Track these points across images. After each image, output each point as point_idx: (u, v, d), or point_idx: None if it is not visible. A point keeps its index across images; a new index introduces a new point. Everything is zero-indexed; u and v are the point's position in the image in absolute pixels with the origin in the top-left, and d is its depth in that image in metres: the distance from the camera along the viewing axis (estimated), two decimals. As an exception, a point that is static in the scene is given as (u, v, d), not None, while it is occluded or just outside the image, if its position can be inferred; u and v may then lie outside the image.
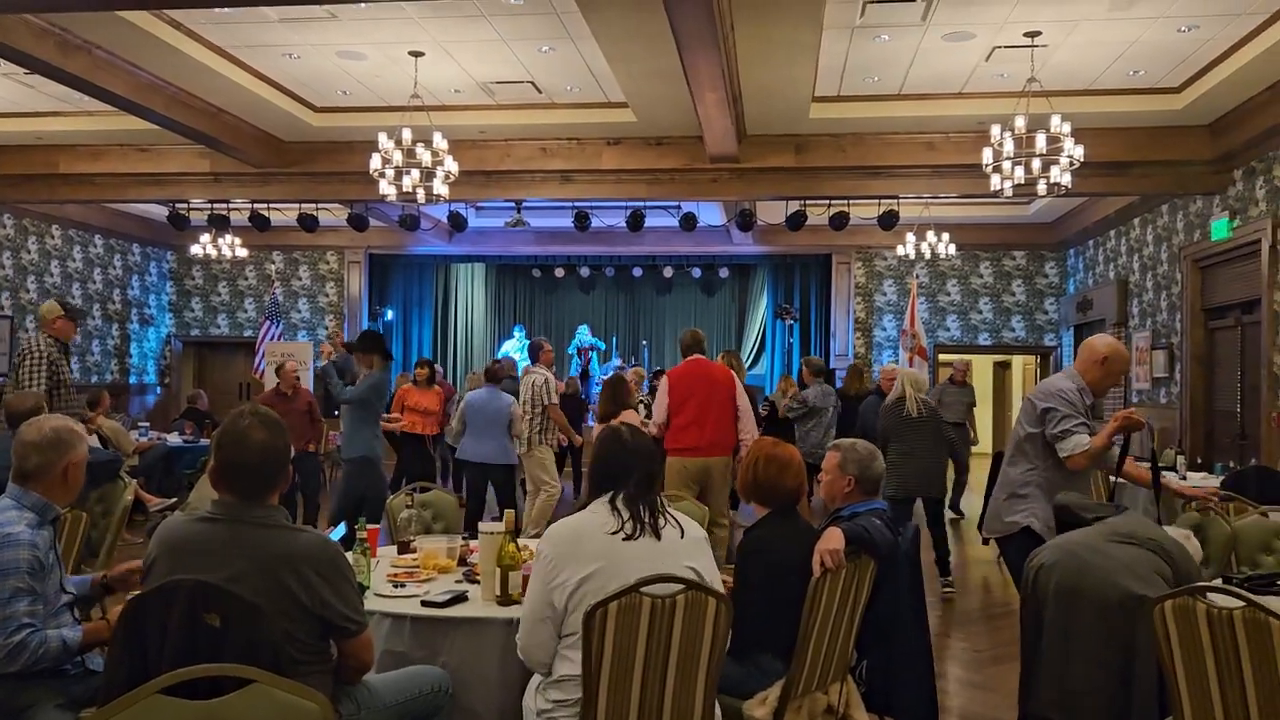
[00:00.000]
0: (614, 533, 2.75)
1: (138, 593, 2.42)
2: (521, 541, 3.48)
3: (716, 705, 2.79)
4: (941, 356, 14.86)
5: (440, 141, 8.09)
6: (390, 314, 16.63)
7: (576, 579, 2.68)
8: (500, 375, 8.49)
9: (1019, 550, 4.09)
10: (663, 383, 6.73)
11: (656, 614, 2.56)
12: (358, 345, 7.43)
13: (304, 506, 8.82)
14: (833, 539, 3.06)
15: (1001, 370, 17.84)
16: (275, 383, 9.03)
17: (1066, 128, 7.21)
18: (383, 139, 8.01)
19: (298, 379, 9.00)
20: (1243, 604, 2.59)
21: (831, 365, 13.90)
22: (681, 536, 2.84)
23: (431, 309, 17.30)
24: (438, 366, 13.03)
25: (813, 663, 3.05)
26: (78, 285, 13.87)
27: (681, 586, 2.60)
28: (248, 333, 15.88)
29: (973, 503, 10.51)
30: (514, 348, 16.26)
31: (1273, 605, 2.59)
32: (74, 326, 6.51)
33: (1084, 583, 3.24)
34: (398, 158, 8.03)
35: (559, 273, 17.03)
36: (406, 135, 7.91)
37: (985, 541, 8.86)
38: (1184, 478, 7.48)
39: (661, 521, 2.83)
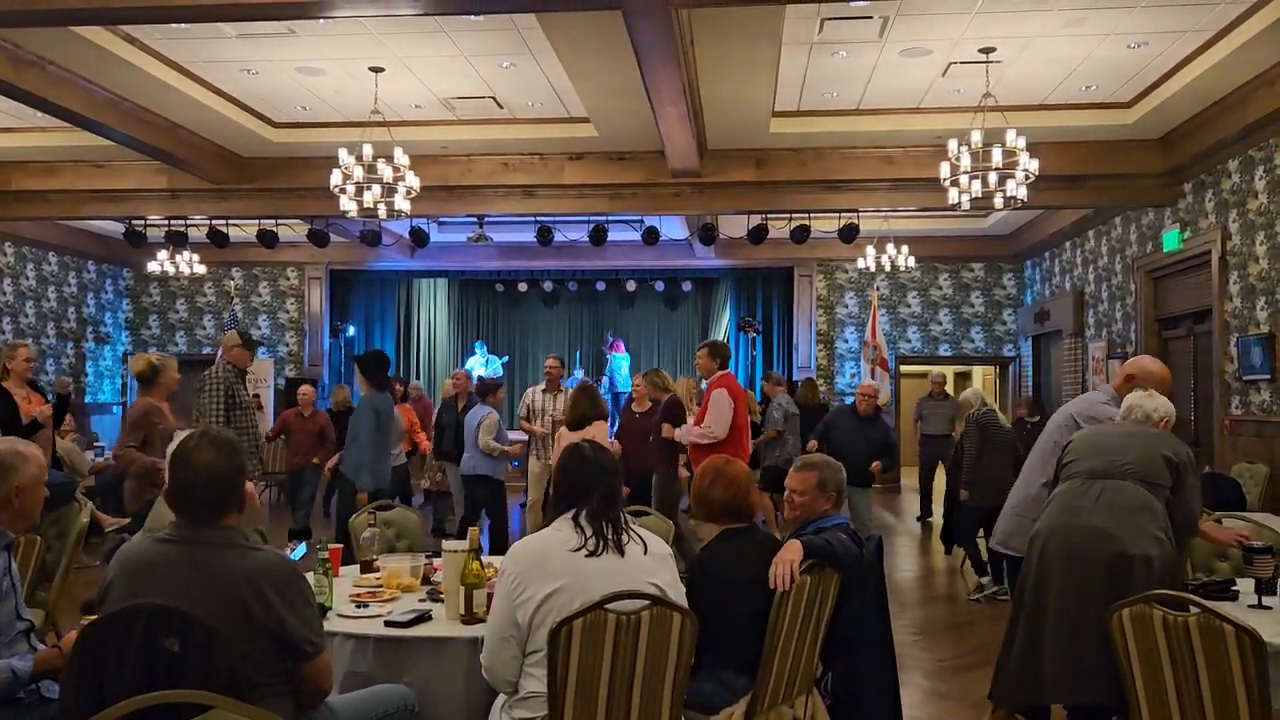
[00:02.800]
0: (577, 549, 2.74)
1: (94, 618, 2.37)
2: (485, 559, 3.46)
3: (683, 721, 2.79)
4: (904, 368, 15.02)
5: (401, 157, 8.06)
6: (352, 330, 16.47)
7: (540, 596, 2.67)
8: (484, 391, 8.43)
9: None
10: (725, 394, 6.47)
11: (621, 630, 2.56)
12: (360, 363, 7.35)
13: (294, 516, 9.06)
14: (791, 550, 3.08)
15: (962, 381, 18.03)
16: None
17: (1021, 142, 7.33)
18: (343, 154, 7.96)
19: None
20: (1198, 611, 2.64)
21: (794, 377, 13.99)
22: (645, 552, 2.84)
23: (394, 324, 17.16)
24: (416, 383, 12.93)
25: (778, 677, 3.06)
26: (31, 303, 13.61)
27: (646, 602, 2.60)
28: (206, 350, 15.66)
29: (936, 513, 10.60)
30: (477, 362, 16.18)
31: (1227, 611, 2.64)
32: (250, 355, 6.89)
33: (1078, 543, 3.46)
34: (358, 173, 7.99)
35: (522, 287, 16.98)
36: (367, 151, 7.87)
37: (948, 551, 8.98)
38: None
39: (625, 537, 2.82)
